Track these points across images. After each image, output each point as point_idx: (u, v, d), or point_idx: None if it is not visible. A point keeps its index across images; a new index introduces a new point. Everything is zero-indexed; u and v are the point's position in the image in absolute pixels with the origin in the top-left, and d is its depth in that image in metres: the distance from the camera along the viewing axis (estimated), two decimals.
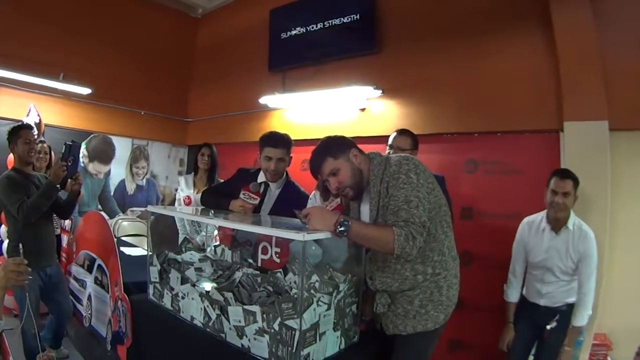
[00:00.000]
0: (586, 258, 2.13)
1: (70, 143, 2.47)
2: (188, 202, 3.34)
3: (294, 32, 4.03)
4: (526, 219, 2.39)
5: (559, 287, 2.23)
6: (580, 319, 2.15)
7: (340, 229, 1.39)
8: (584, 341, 2.34)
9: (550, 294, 2.25)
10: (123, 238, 3.83)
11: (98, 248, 2.50)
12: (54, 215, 2.79)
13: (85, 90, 4.21)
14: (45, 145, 3.34)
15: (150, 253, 2.07)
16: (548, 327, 2.22)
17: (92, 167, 4.38)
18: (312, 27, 3.90)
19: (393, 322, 1.58)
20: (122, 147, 4.81)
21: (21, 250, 1.71)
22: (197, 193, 3.29)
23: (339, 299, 1.51)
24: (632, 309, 2.45)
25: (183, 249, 2.14)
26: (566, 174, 2.19)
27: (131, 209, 4.65)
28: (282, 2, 4.16)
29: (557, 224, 2.23)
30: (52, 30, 4.11)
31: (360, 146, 1.64)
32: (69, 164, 2.43)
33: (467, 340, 2.90)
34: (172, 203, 4.28)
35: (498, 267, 2.58)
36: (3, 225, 3.36)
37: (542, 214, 2.31)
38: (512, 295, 2.40)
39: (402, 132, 2.45)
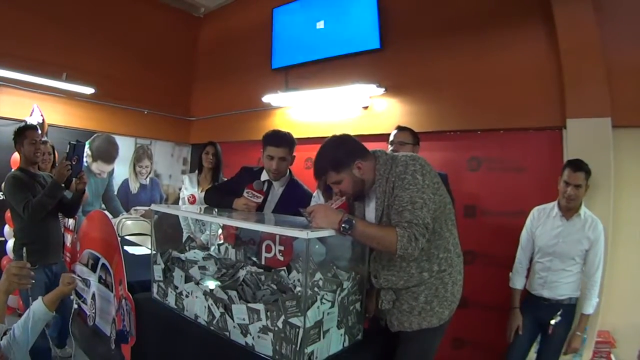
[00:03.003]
0: (596, 245, 2.19)
1: (75, 143, 2.47)
2: (192, 200, 3.34)
3: (296, 31, 4.03)
4: (536, 207, 2.43)
5: (564, 276, 2.25)
6: (590, 307, 2.21)
7: (344, 227, 1.39)
8: (587, 339, 2.34)
9: (555, 284, 2.26)
10: (127, 237, 3.83)
11: (102, 247, 2.50)
12: (59, 213, 2.81)
13: (89, 90, 4.23)
14: (48, 145, 3.35)
15: (154, 252, 2.08)
16: (552, 322, 2.24)
17: (96, 167, 4.40)
18: (315, 25, 3.89)
19: (398, 319, 1.59)
20: (126, 146, 4.82)
21: (24, 254, 1.69)
22: (201, 192, 3.29)
23: (343, 296, 1.51)
24: (635, 306, 2.44)
25: (187, 248, 2.14)
26: (578, 167, 2.23)
27: (135, 208, 4.67)
28: (285, 0, 4.16)
29: (569, 212, 2.28)
30: (55, 30, 4.12)
31: (363, 144, 1.63)
32: (74, 163, 2.44)
33: (471, 338, 2.90)
34: (176, 202, 4.29)
35: (502, 265, 2.58)
36: (7, 225, 3.38)
37: (554, 203, 2.35)
38: (518, 281, 2.43)
39: (403, 128, 2.47)
